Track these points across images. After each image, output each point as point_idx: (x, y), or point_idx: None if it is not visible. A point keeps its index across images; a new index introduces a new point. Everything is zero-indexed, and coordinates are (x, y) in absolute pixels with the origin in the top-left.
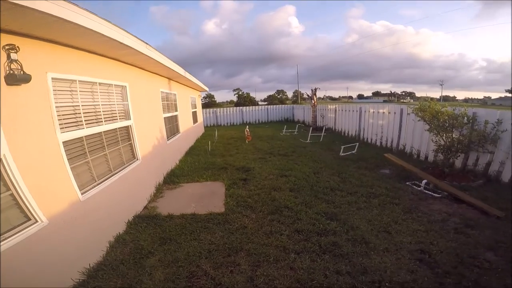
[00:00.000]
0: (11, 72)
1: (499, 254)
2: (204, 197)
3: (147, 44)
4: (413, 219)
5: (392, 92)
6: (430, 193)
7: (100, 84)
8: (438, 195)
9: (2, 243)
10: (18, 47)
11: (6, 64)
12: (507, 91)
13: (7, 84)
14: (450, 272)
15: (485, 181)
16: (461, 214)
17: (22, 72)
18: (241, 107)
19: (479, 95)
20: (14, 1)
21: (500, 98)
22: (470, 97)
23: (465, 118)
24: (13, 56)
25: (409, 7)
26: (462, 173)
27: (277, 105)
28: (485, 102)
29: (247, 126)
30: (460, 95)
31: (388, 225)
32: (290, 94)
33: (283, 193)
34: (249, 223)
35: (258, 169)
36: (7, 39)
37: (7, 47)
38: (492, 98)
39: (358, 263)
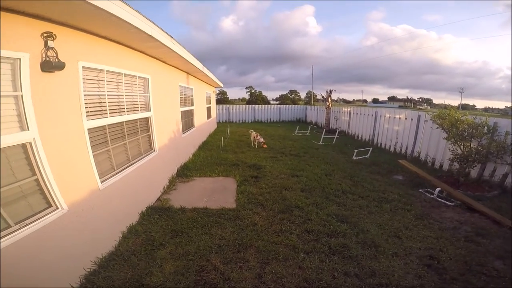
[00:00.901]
0: (47, 59)
1: (507, 263)
2: (216, 192)
3: (172, 37)
4: (424, 225)
5: (409, 97)
6: (443, 201)
7: (125, 75)
8: (451, 204)
9: (23, 229)
10: (55, 35)
11: (43, 51)
12: None
13: (43, 70)
14: (457, 278)
15: (501, 192)
16: (473, 223)
17: (57, 60)
18: (253, 105)
19: (501, 104)
20: None
21: None
22: (491, 107)
23: (486, 128)
24: (50, 43)
25: (433, 12)
26: (477, 183)
27: (290, 105)
28: (506, 113)
29: (251, 130)
30: (480, 104)
31: (399, 230)
32: (303, 95)
33: (294, 192)
34: (260, 221)
35: (269, 167)
36: (45, 26)
37: (45, 35)
38: None
39: (367, 266)
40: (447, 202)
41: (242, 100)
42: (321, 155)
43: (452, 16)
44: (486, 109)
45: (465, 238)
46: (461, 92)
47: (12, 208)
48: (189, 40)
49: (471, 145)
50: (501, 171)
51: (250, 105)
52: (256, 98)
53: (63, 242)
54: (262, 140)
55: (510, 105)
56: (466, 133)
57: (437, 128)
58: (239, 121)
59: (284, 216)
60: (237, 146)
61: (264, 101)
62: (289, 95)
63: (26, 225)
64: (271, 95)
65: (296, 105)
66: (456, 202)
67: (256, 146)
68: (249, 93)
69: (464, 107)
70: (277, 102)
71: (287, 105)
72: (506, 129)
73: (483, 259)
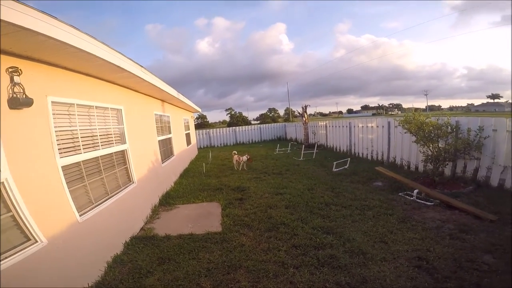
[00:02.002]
0: (14, 95)
1: (496, 256)
2: (201, 218)
3: (142, 67)
4: (407, 228)
5: (380, 105)
6: (422, 202)
7: (97, 107)
8: (431, 203)
9: (2, 261)
10: (20, 70)
11: (9, 87)
12: (488, 96)
13: (10, 108)
14: (450, 276)
15: (475, 187)
16: (454, 220)
17: (24, 96)
18: (234, 127)
19: (463, 102)
20: (21, 24)
21: (483, 104)
22: (455, 105)
23: (449, 127)
24: (16, 79)
25: (390, 20)
26: (452, 180)
27: (270, 124)
28: (469, 109)
29: (234, 152)
30: (445, 103)
31: (384, 235)
32: (282, 112)
33: (279, 210)
34: (247, 241)
35: (253, 188)
36: (10, 61)
37: (10, 70)
38: (475, 104)
39: (357, 274)
40: (427, 203)
41: (223, 123)
42: (302, 170)
43: (407, 22)
44: (451, 108)
45: (450, 235)
46: (426, 95)
47: None
48: (165, 64)
49: (439, 145)
50: (471, 166)
51: (231, 128)
52: (237, 120)
53: (46, 273)
54: (245, 158)
55: (471, 102)
56: (432, 135)
57: (405, 132)
58: (220, 144)
59: (271, 234)
60: (219, 170)
61: (245, 121)
62: (268, 113)
63: (6, 257)
64: (251, 115)
65: (276, 123)
66: (435, 201)
67: (245, 167)
68: (230, 115)
69: (431, 108)
70: (258, 122)
71: (267, 124)
72: (467, 126)
73: (471, 255)
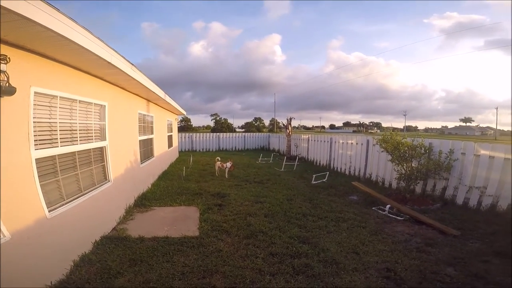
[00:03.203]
0: None
1: (458, 269)
2: (178, 221)
3: (133, 65)
4: (378, 240)
5: (361, 122)
6: (394, 216)
7: (80, 101)
8: (401, 218)
9: None
10: (9, 58)
11: None
12: (461, 120)
13: None
14: (416, 287)
15: (442, 204)
16: (422, 234)
17: (7, 84)
18: (218, 133)
19: (438, 124)
20: (21, 13)
21: (455, 127)
22: (430, 127)
23: (423, 148)
24: (3, 67)
25: (382, 39)
26: (422, 197)
27: (254, 133)
28: (443, 132)
29: (218, 158)
30: (421, 125)
31: (356, 246)
32: (267, 122)
33: (258, 218)
34: (225, 247)
35: (234, 195)
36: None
37: None
38: (448, 127)
39: (330, 283)
40: (398, 217)
41: (207, 128)
42: (283, 181)
43: (399, 42)
44: (426, 130)
45: (417, 249)
46: (405, 115)
47: None
48: (155, 64)
49: (412, 165)
50: (440, 185)
51: (215, 133)
52: (221, 126)
53: (6, 269)
54: (229, 165)
55: (445, 125)
56: (407, 155)
57: (382, 151)
58: (203, 149)
59: (249, 241)
60: (200, 175)
61: (230, 128)
62: (254, 122)
63: None
64: (237, 122)
65: (260, 133)
66: (405, 216)
67: (226, 175)
68: (214, 120)
69: (408, 128)
70: (243, 130)
71: (252, 133)
72: (439, 148)
73: (435, 267)
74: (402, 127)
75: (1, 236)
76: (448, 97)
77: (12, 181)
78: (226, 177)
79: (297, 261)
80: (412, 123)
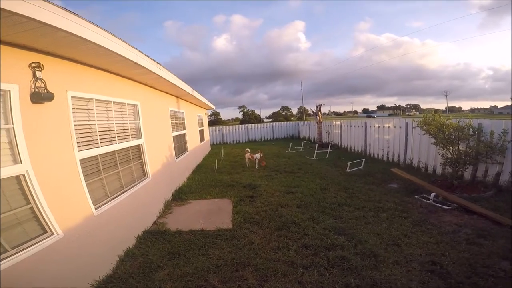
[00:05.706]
0: (37, 90)
1: None
2: (212, 214)
3: (158, 63)
4: (423, 231)
5: (397, 105)
6: (439, 205)
7: (114, 103)
8: (448, 207)
9: (20, 253)
10: (42, 65)
11: (32, 82)
12: None
13: (32, 102)
14: (464, 282)
15: (496, 192)
16: (472, 225)
17: (46, 91)
18: (246, 125)
19: (486, 104)
20: (43, 20)
21: (507, 106)
22: (477, 107)
23: (471, 129)
24: (38, 74)
25: (414, 19)
26: (472, 184)
27: (283, 122)
28: (492, 112)
29: (248, 149)
30: (466, 105)
31: (397, 238)
32: (295, 111)
33: (290, 209)
34: (257, 239)
35: (264, 186)
36: (32, 57)
37: (33, 65)
38: (498, 107)
39: (368, 276)
40: (444, 206)
41: (236, 120)
42: (315, 170)
43: (431, 22)
44: (472, 110)
45: (466, 241)
46: (446, 96)
47: (8, 234)
48: (183, 61)
49: (460, 148)
50: (493, 170)
51: (243, 125)
52: (249, 117)
53: (60, 266)
54: (258, 156)
55: (495, 104)
56: (453, 137)
57: (424, 134)
58: (233, 141)
59: (281, 233)
60: (231, 167)
61: (258, 119)
62: (281, 111)
63: (23, 249)
64: (264, 113)
65: (288, 122)
66: (453, 205)
67: (256, 167)
68: (242, 112)
69: (451, 110)
70: (270, 120)
71: (280, 122)
72: (490, 129)
73: (488, 261)
74: (444, 108)
75: (55, 234)
76: (496, 75)
77: (60, 182)
78: (257, 168)
79: (332, 254)
80: (456, 104)
